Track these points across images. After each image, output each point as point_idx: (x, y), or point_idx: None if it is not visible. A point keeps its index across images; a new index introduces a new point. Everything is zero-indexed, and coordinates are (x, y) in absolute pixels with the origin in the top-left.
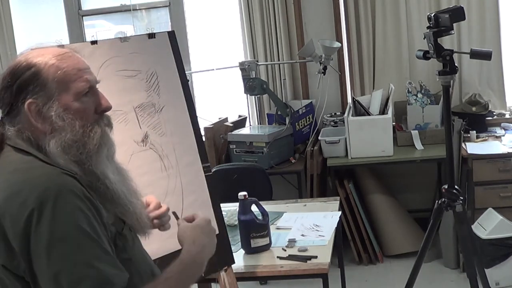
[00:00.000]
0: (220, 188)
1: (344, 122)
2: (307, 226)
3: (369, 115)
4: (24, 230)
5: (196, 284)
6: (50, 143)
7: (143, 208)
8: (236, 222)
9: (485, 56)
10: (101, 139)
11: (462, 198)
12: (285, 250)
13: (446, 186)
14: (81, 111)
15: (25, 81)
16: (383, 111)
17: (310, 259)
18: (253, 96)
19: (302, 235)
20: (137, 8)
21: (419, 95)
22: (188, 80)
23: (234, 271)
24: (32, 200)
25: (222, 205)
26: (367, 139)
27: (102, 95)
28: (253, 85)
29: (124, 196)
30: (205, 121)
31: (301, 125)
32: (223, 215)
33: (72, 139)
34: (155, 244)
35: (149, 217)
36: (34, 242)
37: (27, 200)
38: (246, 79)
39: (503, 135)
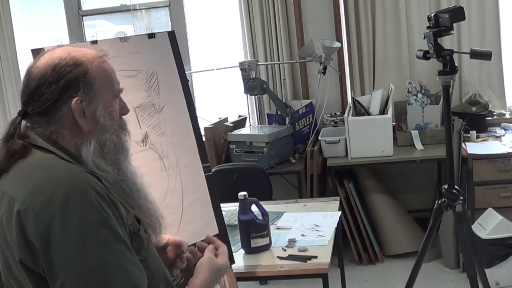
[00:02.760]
0: (220, 188)
1: (344, 122)
2: (307, 226)
3: (369, 115)
4: (48, 227)
5: None
6: (92, 142)
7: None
8: (236, 222)
9: (485, 56)
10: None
11: (462, 198)
12: (285, 250)
13: (446, 186)
14: (116, 112)
15: (75, 78)
16: (383, 111)
17: (310, 259)
18: (253, 96)
19: (302, 235)
20: (137, 8)
21: (419, 95)
22: (188, 80)
23: (234, 271)
24: (58, 197)
25: (222, 205)
26: (367, 139)
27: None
28: (253, 85)
29: (145, 197)
30: (205, 121)
31: (301, 125)
32: (223, 215)
33: (113, 140)
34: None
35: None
36: (59, 240)
37: (53, 196)
38: (246, 79)
39: (503, 135)
